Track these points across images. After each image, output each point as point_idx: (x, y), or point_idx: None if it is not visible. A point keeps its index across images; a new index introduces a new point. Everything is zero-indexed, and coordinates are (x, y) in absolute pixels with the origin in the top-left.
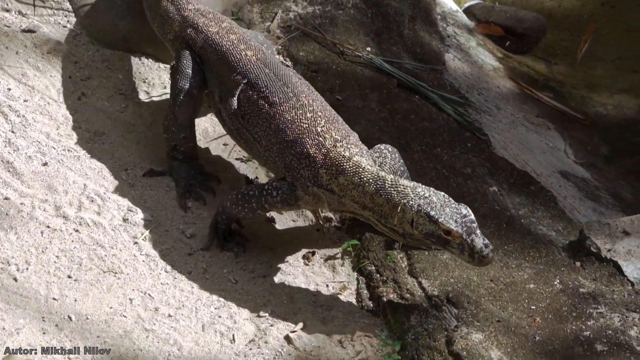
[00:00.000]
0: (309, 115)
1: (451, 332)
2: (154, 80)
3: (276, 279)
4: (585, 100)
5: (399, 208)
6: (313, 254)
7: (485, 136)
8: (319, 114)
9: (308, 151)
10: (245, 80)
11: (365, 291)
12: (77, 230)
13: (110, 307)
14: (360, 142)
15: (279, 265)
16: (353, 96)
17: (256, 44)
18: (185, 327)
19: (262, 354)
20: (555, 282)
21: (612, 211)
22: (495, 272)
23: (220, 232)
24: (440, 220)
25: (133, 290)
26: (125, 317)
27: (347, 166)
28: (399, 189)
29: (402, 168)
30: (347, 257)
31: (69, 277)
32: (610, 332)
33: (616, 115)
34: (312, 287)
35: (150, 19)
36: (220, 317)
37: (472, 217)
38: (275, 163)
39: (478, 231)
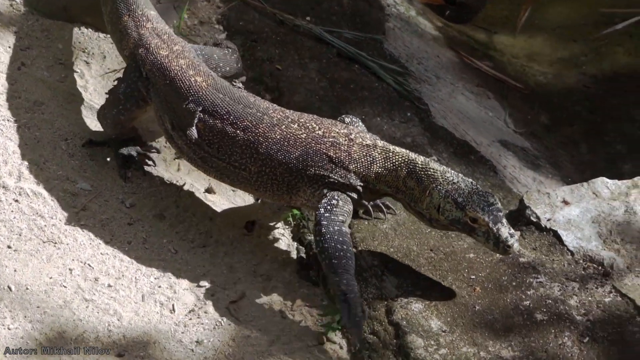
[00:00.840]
0: (295, 125)
1: (391, 301)
2: (93, 50)
3: (216, 249)
4: (525, 69)
5: (427, 192)
6: (253, 223)
7: (425, 105)
8: (303, 120)
9: (328, 155)
10: (200, 108)
11: (305, 261)
12: (16, 201)
13: (50, 277)
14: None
15: (219, 235)
16: (293, 65)
17: (205, 69)
18: (125, 297)
19: (202, 324)
20: None
21: (551, 180)
22: (435, 241)
23: (353, 301)
24: (467, 207)
25: (73, 260)
26: (65, 287)
27: (376, 153)
28: (429, 172)
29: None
30: (287, 227)
31: (9, 247)
32: (550, 301)
33: (556, 84)
34: (252, 257)
35: (110, 32)
36: (160, 287)
37: (499, 205)
38: (287, 183)
39: (504, 220)
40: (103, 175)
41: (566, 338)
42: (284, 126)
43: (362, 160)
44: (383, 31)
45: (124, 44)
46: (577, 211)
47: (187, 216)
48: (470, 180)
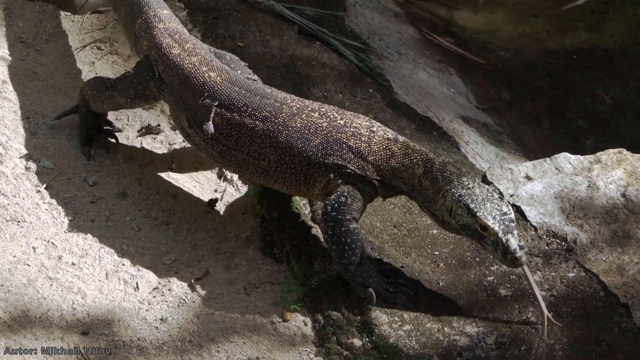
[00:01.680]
0: (316, 114)
1: None
2: (55, 28)
3: (179, 227)
4: (487, 45)
5: (441, 194)
6: (216, 200)
7: (387, 82)
8: (324, 110)
9: (349, 145)
10: (217, 103)
11: (269, 238)
12: None
13: (14, 256)
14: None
15: (182, 213)
16: (254, 43)
17: (218, 64)
18: (89, 275)
19: (166, 301)
20: None
21: (514, 156)
22: (399, 217)
23: (374, 286)
24: (478, 214)
25: (36, 238)
26: (28, 265)
27: (396, 148)
28: (445, 174)
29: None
30: (250, 204)
31: None
32: (513, 277)
33: (517, 60)
34: (215, 235)
35: (127, 37)
36: (123, 265)
37: (512, 216)
38: (305, 173)
39: (515, 231)
40: (65, 153)
41: (530, 313)
42: (304, 115)
43: (381, 153)
44: (344, 8)
45: (139, 47)
46: (539, 187)
47: (150, 194)
48: (488, 187)
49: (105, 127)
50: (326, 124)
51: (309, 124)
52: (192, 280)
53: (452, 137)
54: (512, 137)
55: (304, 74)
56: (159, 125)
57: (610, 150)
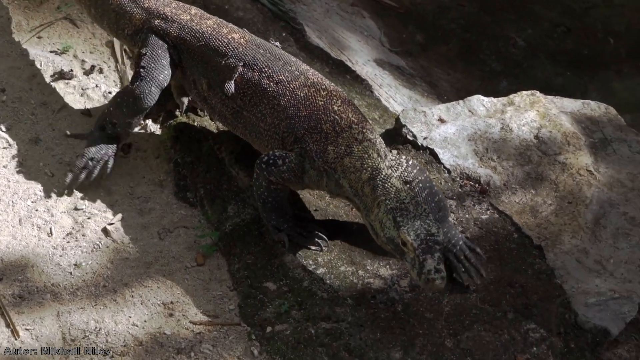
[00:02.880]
0: (323, 93)
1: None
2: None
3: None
4: None
5: (377, 203)
6: (130, 146)
7: (299, 25)
8: (334, 93)
9: (322, 127)
10: (242, 63)
11: (182, 182)
12: None
13: None
14: (376, 132)
15: None
16: None
17: (236, 27)
18: (2, 222)
19: (80, 246)
20: None
21: (427, 99)
22: None
23: (287, 231)
24: (402, 228)
25: None
26: None
27: (356, 149)
28: (386, 185)
29: (421, 185)
30: (164, 148)
31: None
32: None
33: (430, 3)
34: (129, 180)
35: (96, 17)
36: (37, 210)
37: (439, 239)
38: (282, 139)
39: (437, 255)
40: None
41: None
42: (313, 89)
43: (342, 147)
44: None
45: (124, 23)
46: (453, 129)
47: (64, 139)
48: (426, 208)
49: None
50: (322, 102)
51: (309, 97)
52: (106, 225)
53: (365, 80)
54: (425, 80)
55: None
56: (71, 70)
57: (524, 92)
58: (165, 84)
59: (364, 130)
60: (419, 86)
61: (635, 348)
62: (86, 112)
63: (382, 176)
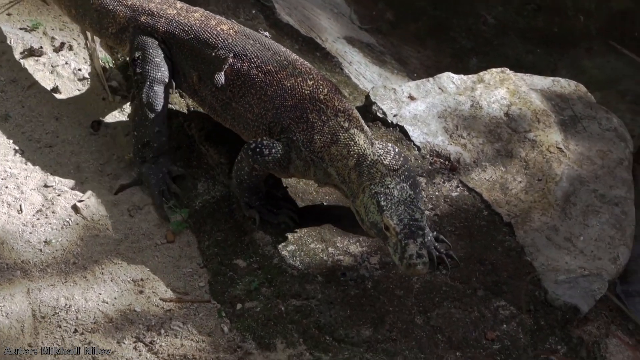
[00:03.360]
0: (310, 82)
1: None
2: None
3: (63, 149)
4: None
5: (362, 188)
6: (99, 123)
7: (269, 2)
8: (321, 82)
9: (307, 116)
10: (232, 54)
11: None
12: None
13: None
14: (363, 121)
15: (66, 135)
16: None
17: (224, 19)
18: None
19: (50, 224)
20: None
21: (397, 76)
22: None
23: (258, 208)
24: (385, 212)
25: None
26: None
27: (342, 137)
28: (372, 170)
29: (403, 166)
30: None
31: None
32: None
33: None
34: (98, 157)
35: (77, 18)
36: (7, 187)
37: (422, 224)
38: (269, 130)
39: (419, 240)
40: None
41: None
42: (300, 79)
43: (328, 135)
44: None
45: (107, 22)
46: (423, 106)
47: (34, 116)
48: (411, 193)
49: (174, 177)
50: (308, 92)
51: (295, 87)
52: (76, 203)
53: (336, 57)
54: (395, 57)
55: None
56: (41, 47)
57: (494, 69)
58: (167, 80)
59: (350, 118)
60: (389, 64)
61: (604, 325)
62: (56, 89)
63: (368, 162)
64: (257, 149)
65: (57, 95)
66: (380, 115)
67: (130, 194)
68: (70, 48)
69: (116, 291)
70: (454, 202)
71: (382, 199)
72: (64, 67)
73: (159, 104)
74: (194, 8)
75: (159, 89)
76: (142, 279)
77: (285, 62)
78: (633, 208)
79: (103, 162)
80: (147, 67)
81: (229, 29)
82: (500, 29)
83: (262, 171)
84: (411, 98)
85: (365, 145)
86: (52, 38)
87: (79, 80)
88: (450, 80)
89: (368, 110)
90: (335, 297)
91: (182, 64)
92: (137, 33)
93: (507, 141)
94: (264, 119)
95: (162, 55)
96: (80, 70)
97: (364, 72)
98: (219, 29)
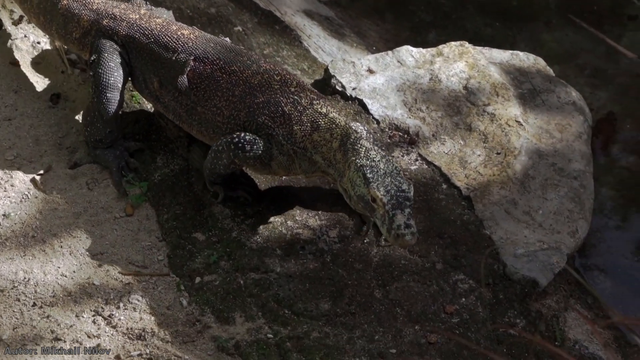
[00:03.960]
0: (277, 78)
1: (197, 173)
2: None
3: (21, 122)
4: None
5: (348, 164)
6: (58, 96)
7: None
8: (287, 77)
9: (283, 109)
10: (193, 57)
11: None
12: None
13: None
14: (337, 106)
15: (24, 108)
16: None
17: (184, 25)
18: None
19: (9, 197)
20: None
21: (356, 49)
22: None
23: (222, 185)
24: (371, 184)
25: None
26: None
27: (323, 122)
28: (356, 147)
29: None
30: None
31: None
32: None
33: None
34: (57, 130)
35: (45, 25)
36: None
37: (409, 195)
38: (244, 130)
39: (407, 210)
40: None
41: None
42: (267, 75)
43: (308, 124)
44: None
45: (72, 26)
46: (382, 80)
47: None
48: (397, 166)
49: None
50: (278, 87)
51: (264, 83)
52: (35, 176)
53: (294, 31)
54: (354, 30)
55: None
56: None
57: (452, 43)
58: (121, 85)
59: (327, 104)
60: (348, 37)
61: (563, 299)
62: (14, 63)
63: (352, 139)
64: (240, 144)
65: (16, 69)
66: (339, 89)
67: (88, 167)
68: (29, 21)
69: (75, 265)
70: (413, 176)
71: (368, 171)
72: (22, 40)
73: (112, 109)
74: (158, 15)
75: (112, 95)
76: (101, 253)
77: (248, 61)
78: (592, 181)
79: (62, 135)
80: (100, 70)
81: (190, 33)
82: (459, 3)
83: (241, 165)
84: (370, 71)
85: (347, 127)
86: (11, 11)
87: (38, 53)
88: (409, 53)
89: (327, 84)
90: (294, 271)
91: (142, 69)
92: (98, 36)
93: (466, 115)
94: (237, 119)
95: (119, 59)
96: (39, 43)
97: (323, 46)
98: (179, 33)
